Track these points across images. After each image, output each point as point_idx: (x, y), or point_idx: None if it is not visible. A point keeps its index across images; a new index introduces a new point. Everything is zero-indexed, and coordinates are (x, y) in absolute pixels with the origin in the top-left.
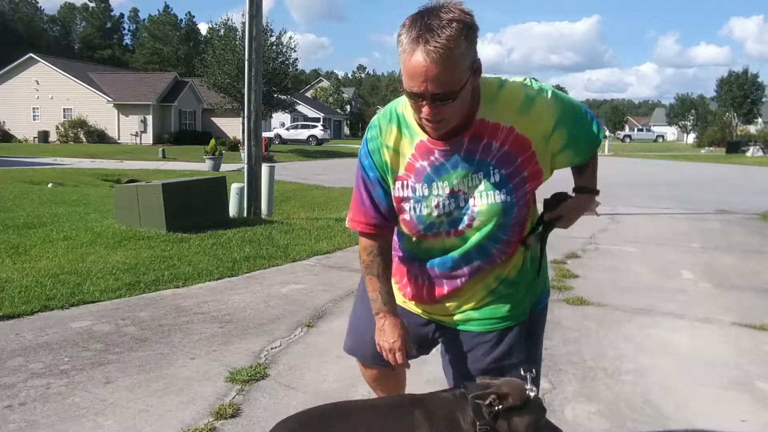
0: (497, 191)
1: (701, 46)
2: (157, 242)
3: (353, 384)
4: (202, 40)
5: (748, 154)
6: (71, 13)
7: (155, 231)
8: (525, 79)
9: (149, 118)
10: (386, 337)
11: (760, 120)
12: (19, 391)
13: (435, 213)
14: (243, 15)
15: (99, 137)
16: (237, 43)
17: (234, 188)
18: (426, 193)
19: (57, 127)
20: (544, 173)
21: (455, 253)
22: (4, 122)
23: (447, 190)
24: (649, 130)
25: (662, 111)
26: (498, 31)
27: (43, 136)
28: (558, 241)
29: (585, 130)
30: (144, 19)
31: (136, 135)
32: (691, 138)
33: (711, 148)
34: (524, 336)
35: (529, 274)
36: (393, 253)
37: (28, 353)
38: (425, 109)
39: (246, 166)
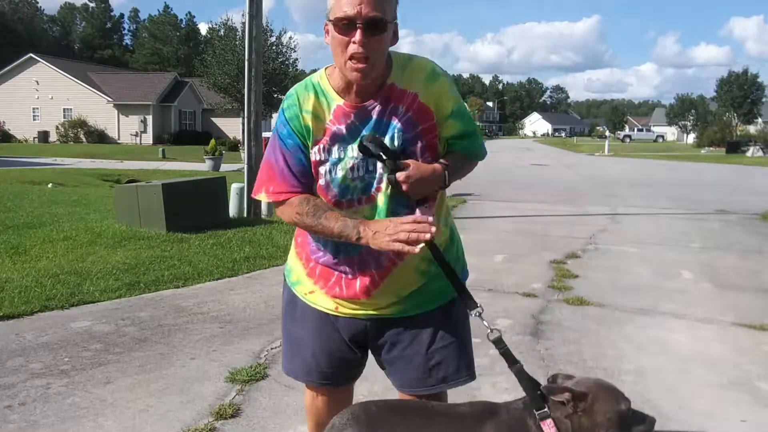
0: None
1: (701, 46)
2: (157, 242)
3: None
4: (202, 40)
5: (748, 154)
6: (71, 14)
7: (155, 231)
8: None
9: (149, 118)
10: (387, 227)
11: (760, 120)
12: (19, 391)
13: (349, 176)
14: (243, 15)
15: (99, 137)
16: (237, 43)
17: (234, 188)
18: (342, 155)
19: (57, 127)
20: (439, 151)
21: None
22: (4, 122)
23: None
24: (649, 130)
25: (662, 111)
26: (498, 31)
27: (43, 136)
28: (558, 241)
29: (475, 137)
30: (144, 20)
31: (136, 135)
32: (691, 138)
33: (711, 149)
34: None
35: (451, 254)
36: (311, 260)
37: (28, 353)
38: (358, 37)
39: (246, 166)
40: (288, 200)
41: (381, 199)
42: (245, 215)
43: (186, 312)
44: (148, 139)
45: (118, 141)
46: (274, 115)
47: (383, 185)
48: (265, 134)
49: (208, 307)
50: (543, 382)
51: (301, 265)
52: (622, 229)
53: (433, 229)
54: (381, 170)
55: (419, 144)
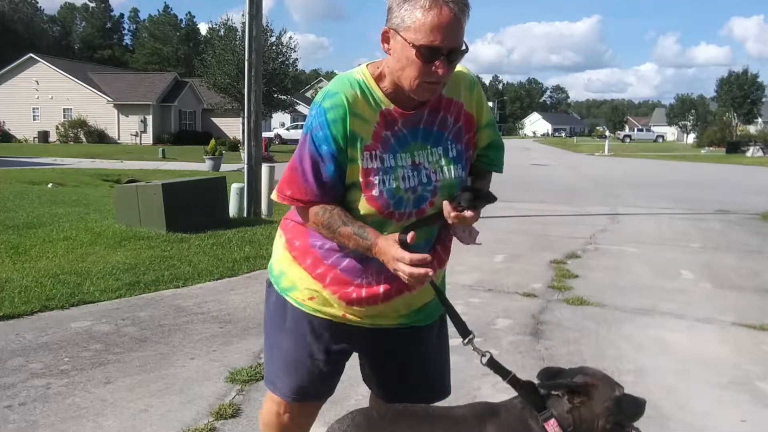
0: (456, 165)
1: (701, 46)
2: (157, 242)
3: (352, 384)
4: (202, 40)
5: (748, 154)
6: (71, 13)
7: (155, 231)
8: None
9: (149, 118)
10: (399, 253)
11: (760, 120)
12: (19, 391)
13: (402, 186)
14: (243, 15)
15: (99, 137)
16: (237, 43)
17: (234, 188)
18: (393, 164)
19: (57, 127)
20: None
21: (420, 239)
22: (4, 122)
23: (409, 161)
24: (649, 130)
25: (662, 111)
26: (498, 31)
27: (43, 136)
28: (558, 241)
29: (501, 150)
30: (144, 19)
31: (136, 135)
32: (691, 138)
33: (711, 148)
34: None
35: (442, 270)
36: (322, 264)
37: (28, 353)
38: (442, 67)
39: (246, 166)
40: (299, 208)
41: (432, 213)
42: (245, 215)
43: (186, 312)
44: (148, 139)
45: (118, 141)
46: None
47: (436, 200)
48: (265, 134)
49: (208, 307)
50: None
51: (300, 270)
52: (622, 229)
53: (431, 273)
54: (436, 183)
55: (467, 153)
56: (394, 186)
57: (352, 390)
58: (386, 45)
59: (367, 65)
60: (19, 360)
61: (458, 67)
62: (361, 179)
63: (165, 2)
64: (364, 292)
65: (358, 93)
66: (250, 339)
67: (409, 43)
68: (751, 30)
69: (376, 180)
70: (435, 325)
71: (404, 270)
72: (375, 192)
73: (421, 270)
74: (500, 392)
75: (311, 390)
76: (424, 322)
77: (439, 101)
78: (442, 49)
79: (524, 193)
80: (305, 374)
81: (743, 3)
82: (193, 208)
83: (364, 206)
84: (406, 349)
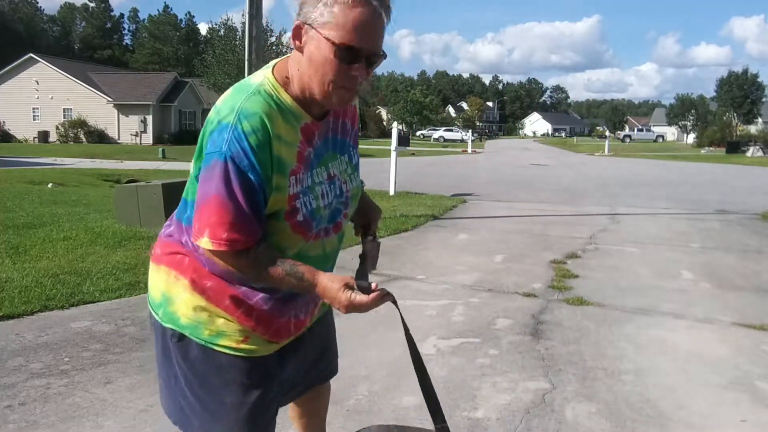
0: (357, 173)
1: (702, 46)
2: None
3: (352, 383)
4: (202, 40)
5: (748, 154)
6: (71, 13)
7: (155, 231)
8: None
9: (149, 118)
10: (358, 299)
11: (760, 120)
12: (19, 391)
13: (322, 204)
14: (243, 15)
15: (99, 137)
16: (237, 43)
17: None
18: (310, 182)
19: (57, 127)
20: None
21: (332, 256)
22: (4, 122)
23: (325, 175)
24: (649, 130)
25: (662, 111)
26: (498, 31)
27: (43, 136)
28: (558, 241)
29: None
30: (144, 20)
31: (136, 135)
32: (691, 138)
33: (711, 148)
34: None
35: None
36: (243, 304)
37: (28, 353)
38: (361, 71)
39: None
40: (237, 251)
41: (345, 226)
42: None
43: None
44: (148, 139)
45: (118, 141)
46: None
47: (348, 210)
48: None
49: None
50: (543, 382)
51: (221, 312)
52: (622, 229)
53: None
54: (347, 193)
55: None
56: (314, 206)
57: (353, 390)
58: (297, 42)
59: (272, 70)
60: (19, 360)
61: None
62: (287, 207)
63: (165, 2)
64: (292, 325)
65: (276, 111)
66: None
67: (328, 41)
68: (752, 30)
69: (298, 204)
70: (330, 310)
71: (360, 311)
72: (299, 217)
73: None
74: (500, 392)
75: (273, 423)
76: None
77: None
78: (363, 50)
79: (524, 193)
80: (268, 421)
81: (743, 3)
82: None
83: (287, 236)
84: (321, 338)
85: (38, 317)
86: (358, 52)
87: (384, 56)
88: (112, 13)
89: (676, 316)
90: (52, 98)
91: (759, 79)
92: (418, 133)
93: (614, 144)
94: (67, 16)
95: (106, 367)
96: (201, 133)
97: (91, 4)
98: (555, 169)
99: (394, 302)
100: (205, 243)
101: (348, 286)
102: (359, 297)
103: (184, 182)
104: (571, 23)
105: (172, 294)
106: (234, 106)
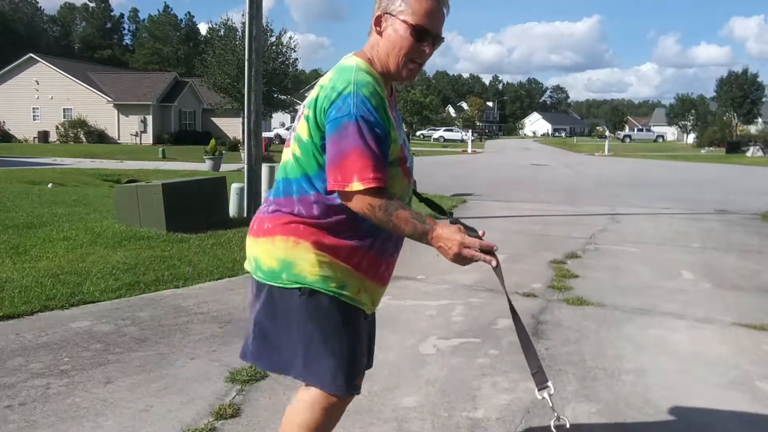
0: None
1: (702, 45)
2: (157, 242)
3: None
4: (202, 40)
5: (748, 154)
6: (71, 13)
7: (155, 231)
8: None
9: (149, 118)
10: (467, 240)
11: (760, 120)
12: (19, 391)
13: (409, 155)
14: (243, 15)
15: (99, 137)
16: (237, 43)
17: (234, 188)
18: (403, 138)
19: (57, 127)
20: None
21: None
22: (4, 122)
23: (404, 135)
24: (649, 130)
25: (662, 111)
26: (498, 31)
27: (43, 136)
28: (558, 241)
29: None
30: (144, 19)
31: (136, 135)
32: (691, 138)
33: (711, 148)
34: None
35: None
36: (357, 253)
37: (28, 353)
38: (429, 48)
39: (246, 166)
40: (376, 191)
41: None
42: (245, 215)
43: (186, 312)
44: (148, 139)
45: (118, 141)
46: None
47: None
48: (265, 134)
49: (208, 307)
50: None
51: (342, 266)
52: (622, 229)
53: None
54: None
55: None
56: (410, 155)
57: None
58: (378, 28)
59: (355, 55)
60: (19, 360)
61: None
62: (400, 155)
63: (165, 2)
64: (389, 266)
65: (378, 82)
66: None
67: (405, 23)
68: (752, 30)
69: (405, 152)
70: None
71: (472, 255)
72: (408, 163)
73: (489, 257)
74: (500, 392)
75: (361, 381)
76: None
77: (394, 90)
78: (431, 32)
79: (524, 193)
80: (362, 365)
81: (743, 3)
82: (193, 208)
83: (399, 180)
84: (372, 324)
85: (38, 317)
86: (427, 32)
87: (443, 40)
88: (112, 13)
89: (676, 316)
90: (52, 98)
91: (759, 79)
92: (418, 133)
93: (614, 144)
94: (67, 16)
95: (106, 367)
96: (311, 110)
97: (91, 4)
98: (555, 169)
99: (497, 261)
100: (356, 186)
101: (461, 231)
102: (470, 237)
103: (184, 182)
104: (571, 23)
105: (294, 257)
106: (349, 79)
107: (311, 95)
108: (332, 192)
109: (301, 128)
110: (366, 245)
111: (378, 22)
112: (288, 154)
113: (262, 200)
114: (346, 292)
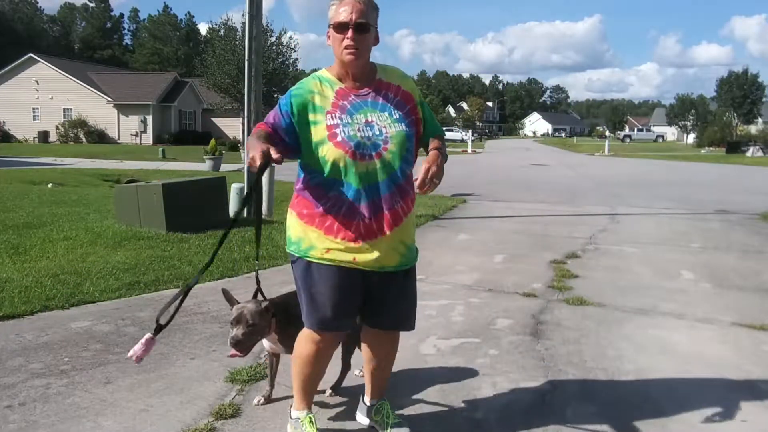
0: (399, 123)
1: (702, 45)
2: (157, 242)
3: (352, 382)
4: (202, 40)
5: (748, 154)
6: (71, 13)
7: (155, 231)
8: None
9: (149, 118)
10: (261, 146)
11: (760, 120)
12: (19, 391)
13: (359, 135)
14: (243, 15)
15: (99, 137)
16: (237, 43)
17: (234, 188)
18: (349, 120)
19: (57, 127)
20: (421, 126)
21: (383, 176)
22: (4, 122)
23: (363, 120)
24: (649, 130)
25: (662, 111)
26: (499, 31)
27: (43, 136)
28: (558, 241)
29: (433, 119)
30: (144, 19)
31: (136, 135)
32: (691, 138)
33: (711, 148)
34: None
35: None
36: (327, 218)
37: (28, 353)
38: (350, 34)
39: (246, 166)
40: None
41: (388, 156)
42: (245, 215)
43: (186, 312)
44: (148, 139)
45: (118, 141)
46: None
47: (389, 146)
48: None
49: (208, 307)
50: (543, 383)
51: (312, 230)
52: (622, 229)
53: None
54: (387, 134)
55: (410, 118)
56: (352, 134)
57: (352, 388)
58: (329, 41)
59: (326, 68)
60: (19, 360)
61: (391, 66)
62: (327, 132)
63: (165, 2)
64: (363, 229)
65: (317, 81)
66: None
67: (330, 26)
68: (753, 29)
69: (338, 131)
70: (413, 268)
71: (253, 157)
72: (339, 138)
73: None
74: (500, 392)
75: (335, 324)
76: (409, 264)
77: (380, 84)
78: (349, 23)
79: (524, 193)
80: (335, 313)
81: (744, 2)
82: (193, 208)
83: (332, 150)
84: (399, 288)
85: (38, 317)
86: (345, 24)
87: (370, 25)
88: (112, 13)
89: (676, 316)
90: (52, 98)
91: (759, 79)
92: None
93: (614, 144)
94: (67, 16)
95: (106, 367)
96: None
97: (91, 4)
98: (555, 169)
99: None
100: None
101: (264, 154)
102: (262, 145)
103: (184, 182)
104: (572, 23)
105: (289, 225)
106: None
107: None
108: (306, 168)
109: None
110: (333, 211)
111: (327, 36)
112: None
113: (263, 201)
114: (313, 253)
